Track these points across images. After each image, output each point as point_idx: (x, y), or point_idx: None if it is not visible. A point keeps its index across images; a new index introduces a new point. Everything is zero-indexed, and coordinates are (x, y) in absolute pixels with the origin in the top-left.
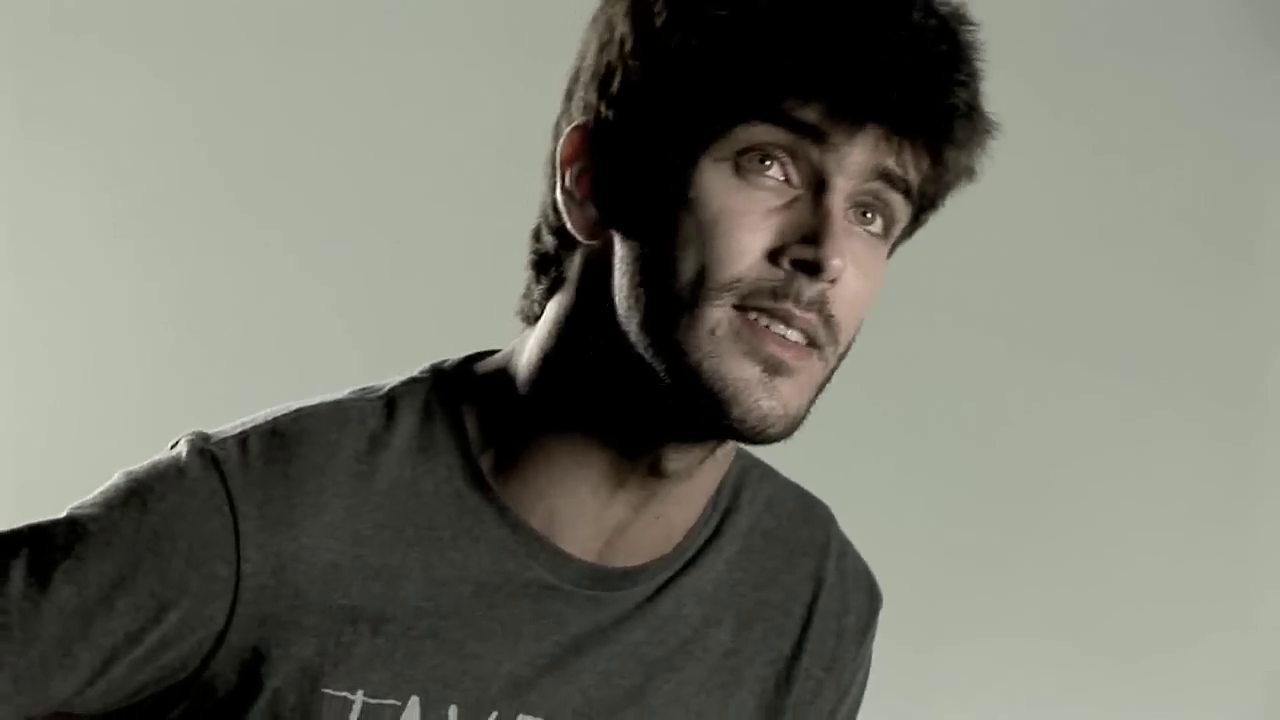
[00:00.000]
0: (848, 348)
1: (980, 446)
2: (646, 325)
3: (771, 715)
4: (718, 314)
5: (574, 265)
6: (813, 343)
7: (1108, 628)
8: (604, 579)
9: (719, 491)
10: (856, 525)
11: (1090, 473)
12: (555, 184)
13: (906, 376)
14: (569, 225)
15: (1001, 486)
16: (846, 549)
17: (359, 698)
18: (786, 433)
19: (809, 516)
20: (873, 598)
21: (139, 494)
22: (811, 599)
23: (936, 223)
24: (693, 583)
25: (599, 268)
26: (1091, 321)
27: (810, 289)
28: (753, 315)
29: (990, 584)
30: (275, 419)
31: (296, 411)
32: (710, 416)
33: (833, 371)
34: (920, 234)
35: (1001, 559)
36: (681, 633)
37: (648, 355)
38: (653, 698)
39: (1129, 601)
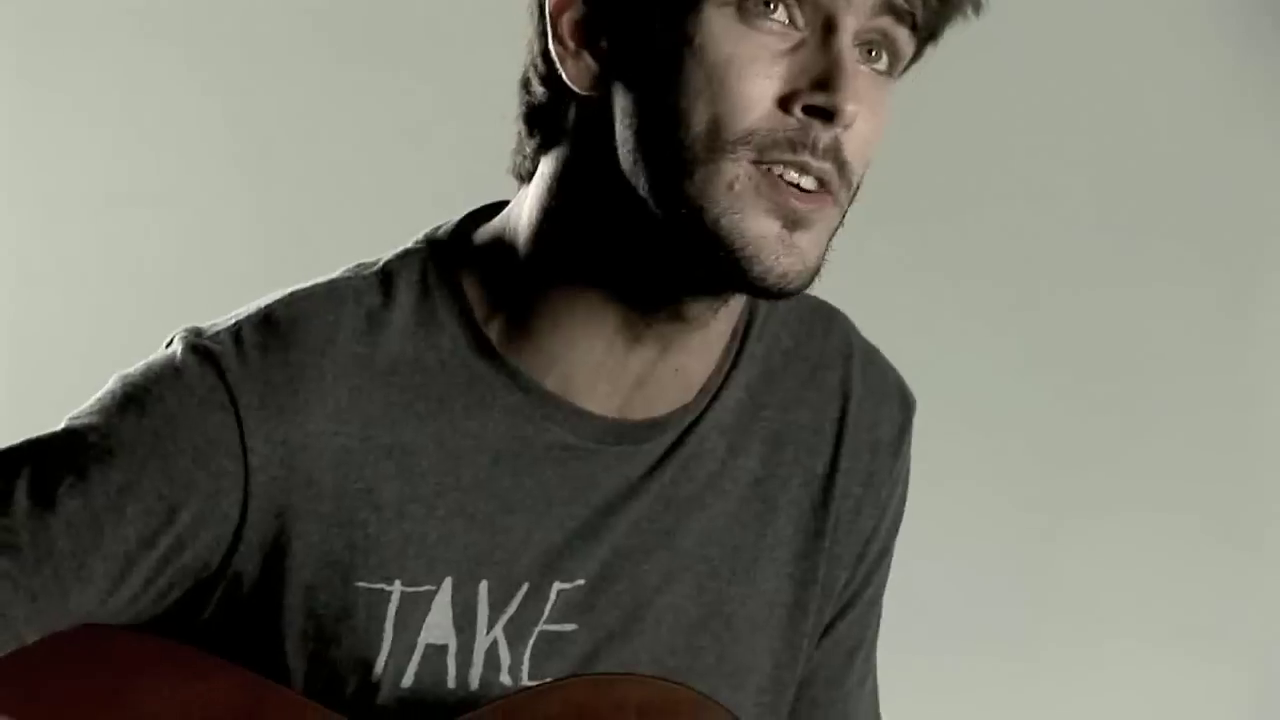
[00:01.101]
0: (857, 189)
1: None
2: (656, 180)
3: (811, 539)
4: (735, 168)
5: (570, 118)
6: (827, 188)
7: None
8: (628, 433)
9: (733, 331)
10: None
11: None
12: (546, 33)
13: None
14: (564, 77)
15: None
16: (872, 356)
17: (396, 588)
18: (804, 287)
19: (828, 328)
20: (905, 405)
21: (136, 398)
22: (840, 414)
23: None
24: (715, 417)
25: (598, 120)
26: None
27: (825, 136)
28: (770, 168)
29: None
30: (268, 306)
31: (290, 295)
32: (728, 273)
33: (844, 215)
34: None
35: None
36: (708, 468)
37: (659, 210)
38: (683, 538)
39: None
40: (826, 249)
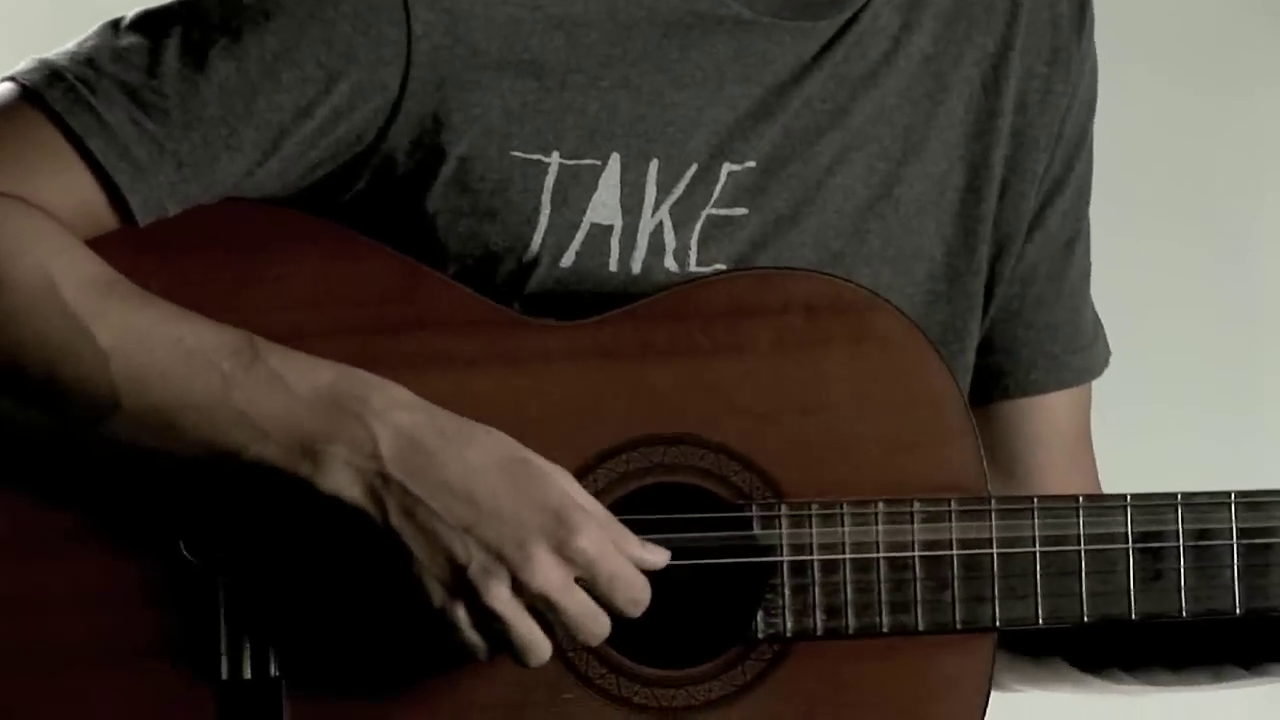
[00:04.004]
0: None
1: None
2: None
3: (985, 119)
4: None
5: None
6: None
7: None
8: (803, 8)
9: None
10: None
11: None
12: None
13: None
14: None
15: None
16: None
17: (554, 160)
18: None
19: None
20: None
21: None
22: None
23: None
24: None
25: None
26: None
27: None
28: None
29: None
30: None
31: None
32: None
33: None
34: None
35: None
36: (880, 45)
37: None
38: (855, 116)
39: None
40: None
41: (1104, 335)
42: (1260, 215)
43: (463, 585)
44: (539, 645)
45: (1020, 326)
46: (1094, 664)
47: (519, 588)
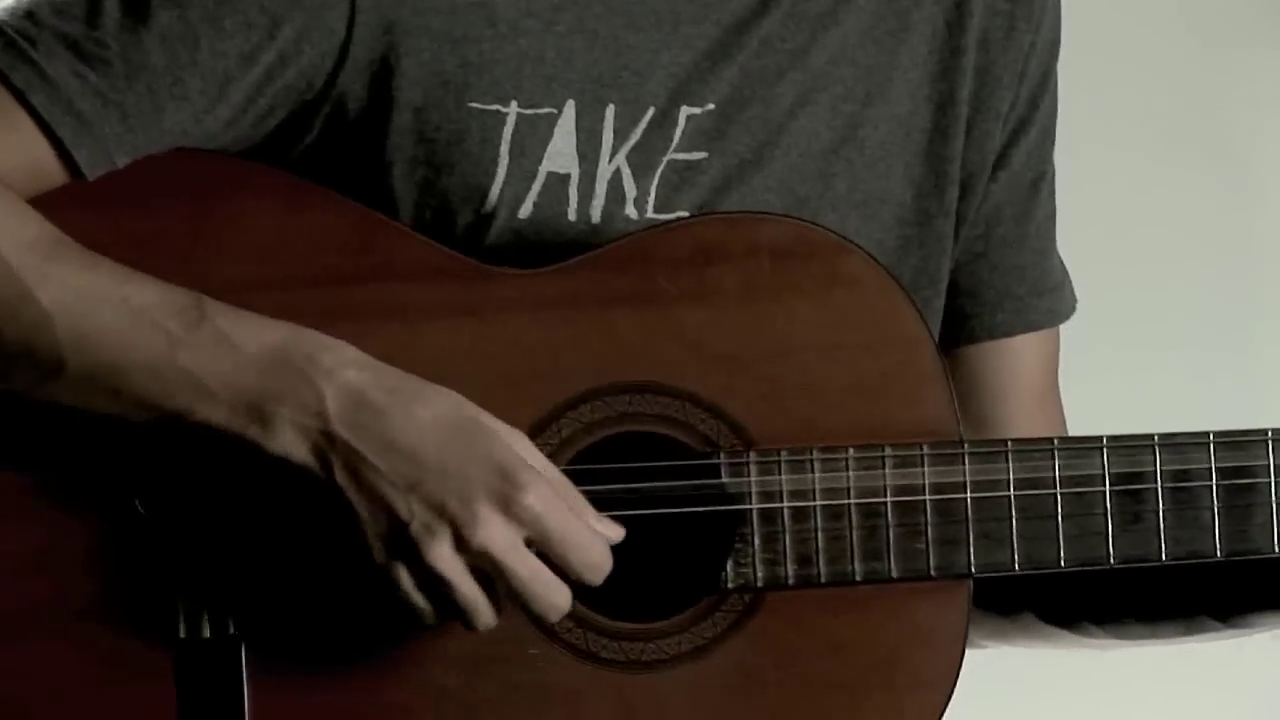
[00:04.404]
0: None
1: None
2: None
3: (948, 58)
4: None
5: None
6: None
7: None
8: None
9: None
10: None
11: None
12: None
13: None
14: None
15: None
16: None
17: (512, 109)
18: None
19: None
20: None
21: None
22: None
23: None
24: None
25: None
26: None
27: None
28: None
29: None
30: None
31: None
32: None
33: None
34: None
35: None
36: None
37: None
38: (815, 56)
39: None
40: None
41: (1070, 282)
42: (1257, 141)
43: (404, 543)
44: (483, 608)
45: (985, 268)
46: (1064, 618)
47: (462, 545)
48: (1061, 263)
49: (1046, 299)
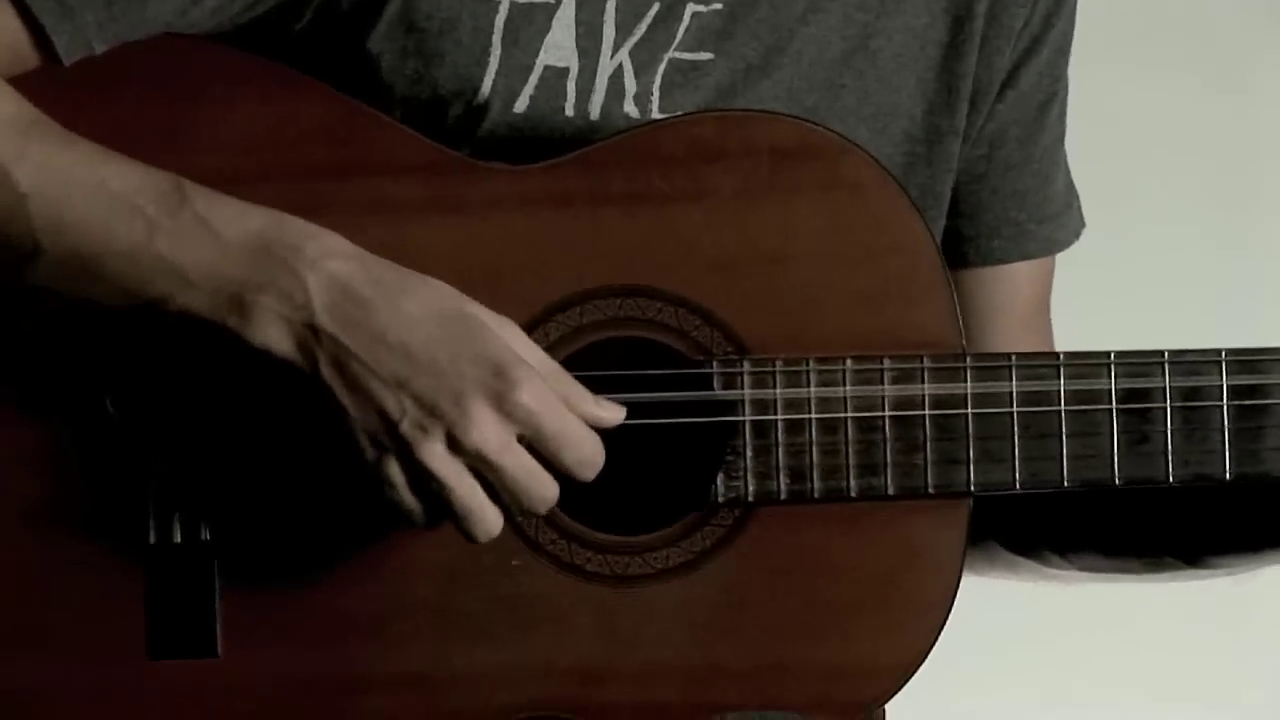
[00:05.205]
0: None
1: None
2: None
3: None
4: None
5: None
6: None
7: None
8: None
9: None
10: None
11: None
12: None
13: None
14: None
15: None
16: None
17: None
18: None
19: None
20: None
21: None
22: None
23: None
24: None
25: None
26: None
27: None
28: None
29: None
30: None
31: None
32: None
33: None
34: None
35: None
36: None
37: None
38: None
39: None
40: None
41: (1078, 205)
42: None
43: (396, 441)
44: (483, 511)
45: (985, 191)
46: (1026, 545)
47: (455, 445)
48: (1070, 185)
49: (1047, 226)
